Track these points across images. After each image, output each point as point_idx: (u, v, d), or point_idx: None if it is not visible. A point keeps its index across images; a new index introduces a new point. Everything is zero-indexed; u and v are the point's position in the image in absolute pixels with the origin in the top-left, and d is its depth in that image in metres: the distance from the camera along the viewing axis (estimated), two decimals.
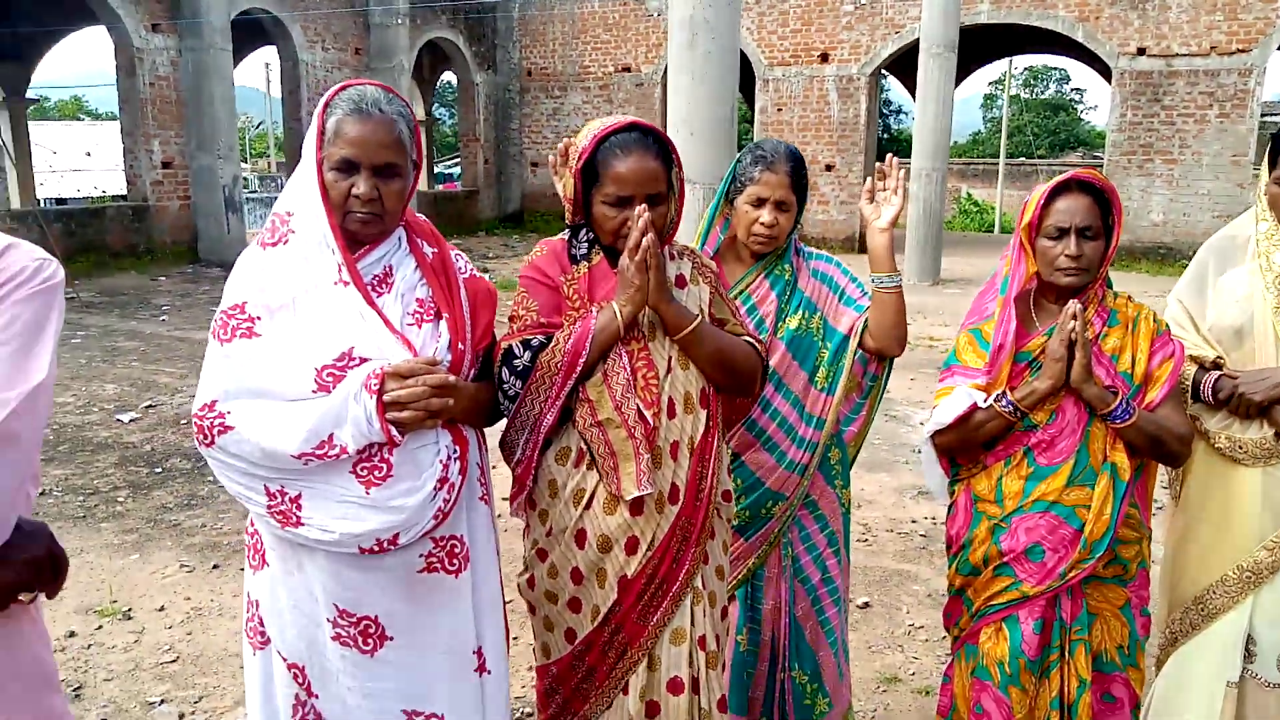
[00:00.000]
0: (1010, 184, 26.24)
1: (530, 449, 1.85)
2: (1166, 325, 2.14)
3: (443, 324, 1.72)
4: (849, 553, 2.51)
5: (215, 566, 4.03)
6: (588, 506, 1.83)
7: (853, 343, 2.33)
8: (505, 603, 1.91)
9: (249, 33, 15.59)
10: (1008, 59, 25.17)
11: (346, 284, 1.65)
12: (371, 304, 1.66)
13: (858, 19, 15.97)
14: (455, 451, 1.67)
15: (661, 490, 1.81)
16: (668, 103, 5.00)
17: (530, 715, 2.90)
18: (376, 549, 1.61)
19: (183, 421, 6.07)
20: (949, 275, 13.26)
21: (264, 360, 1.61)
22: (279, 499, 1.61)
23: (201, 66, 13.14)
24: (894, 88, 29.97)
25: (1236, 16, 13.52)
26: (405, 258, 1.76)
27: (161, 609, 3.65)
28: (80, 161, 29.82)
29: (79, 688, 3.07)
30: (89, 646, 3.35)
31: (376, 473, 1.60)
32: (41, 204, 19.52)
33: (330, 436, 1.56)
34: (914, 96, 13.64)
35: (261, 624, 1.75)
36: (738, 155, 2.38)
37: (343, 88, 1.70)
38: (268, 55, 31.47)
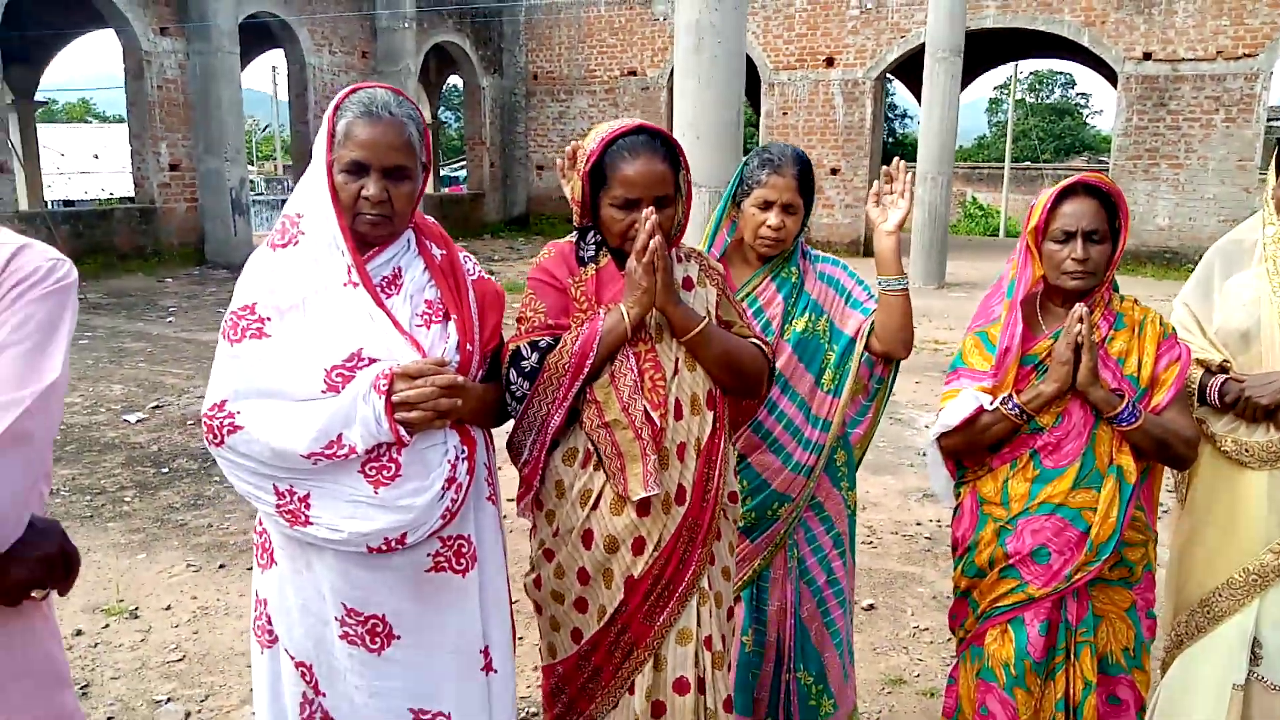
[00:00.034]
0: (1015, 188, 26.22)
1: (537, 450, 1.86)
2: (1173, 329, 2.13)
3: (451, 325, 1.73)
4: (854, 555, 2.51)
5: (221, 566, 4.04)
6: (594, 507, 1.83)
7: (859, 345, 2.33)
8: (512, 602, 1.92)
9: (256, 36, 15.67)
10: (1013, 63, 25.15)
11: (356, 285, 1.66)
12: (380, 305, 1.67)
13: (863, 23, 15.98)
14: (463, 452, 1.68)
15: (668, 491, 1.82)
16: (674, 106, 5.01)
17: (536, 715, 2.91)
18: (384, 548, 1.62)
19: (189, 422, 6.10)
20: (954, 279, 13.26)
21: (273, 360, 1.62)
22: (288, 498, 1.62)
23: (209, 70, 13.21)
24: (899, 92, 30.02)
25: (1243, 21, 13.51)
26: (414, 259, 1.77)
27: (168, 608, 3.66)
28: (88, 164, 29.98)
29: (86, 686, 3.09)
30: (96, 645, 3.36)
31: (385, 472, 1.61)
32: (49, 206, 19.60)
33: (339, 436, 1.57)
34: (919, 101, 13.64)
35: (269, 623, 1.76)
36: (744, 159, 2.39)
37: (353, 90, 1.71)
38: (275, 58, 31.65)
